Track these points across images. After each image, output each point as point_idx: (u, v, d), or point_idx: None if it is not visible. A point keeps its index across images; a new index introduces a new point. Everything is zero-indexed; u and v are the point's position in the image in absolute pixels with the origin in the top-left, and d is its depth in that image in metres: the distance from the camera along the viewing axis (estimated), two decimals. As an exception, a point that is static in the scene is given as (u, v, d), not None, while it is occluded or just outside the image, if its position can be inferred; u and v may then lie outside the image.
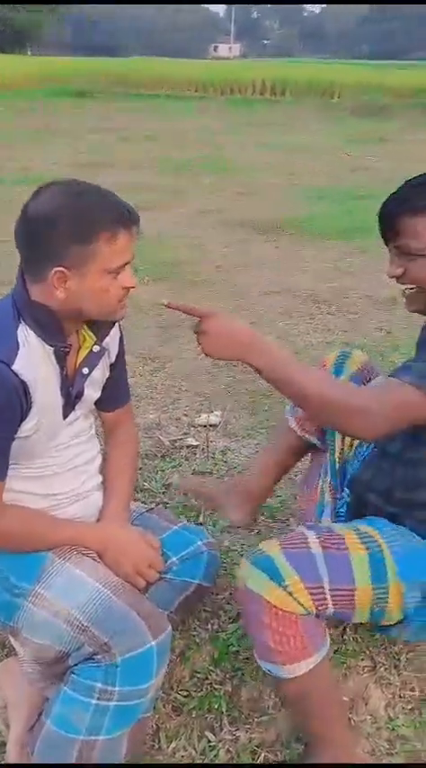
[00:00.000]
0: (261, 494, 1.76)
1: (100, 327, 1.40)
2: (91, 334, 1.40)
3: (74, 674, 1.29)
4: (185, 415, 2.72)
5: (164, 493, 2.21)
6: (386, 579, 1.30)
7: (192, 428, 2.60)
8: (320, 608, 1.24)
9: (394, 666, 1.58)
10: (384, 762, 1.43)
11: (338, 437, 1.63)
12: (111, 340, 1.46)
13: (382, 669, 1.57)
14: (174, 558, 1.48)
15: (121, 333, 1.51)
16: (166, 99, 18.16)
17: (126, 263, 1.30)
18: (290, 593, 1.22)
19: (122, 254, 1.28)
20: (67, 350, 1.34)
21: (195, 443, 2.46)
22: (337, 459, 1.63)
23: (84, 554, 1.39)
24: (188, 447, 2.45)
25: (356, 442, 1.61)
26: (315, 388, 1.26)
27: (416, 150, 10.56)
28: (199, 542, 1.50)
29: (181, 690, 1.52)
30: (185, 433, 2.56)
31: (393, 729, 1.52)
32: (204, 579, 1.49)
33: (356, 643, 1.58)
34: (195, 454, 2.41)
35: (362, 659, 1.58)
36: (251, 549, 1.30)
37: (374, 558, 1.30)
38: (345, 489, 1.60)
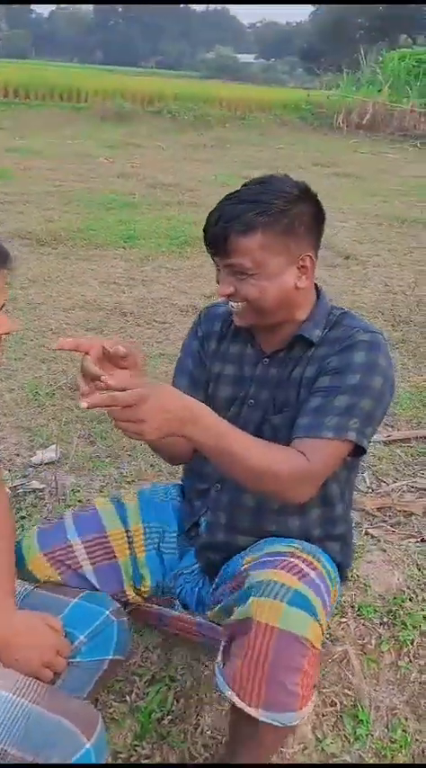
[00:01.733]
0: None
1: None
2: None
3: (-5, 810, 1.05)
4: (17, 455, 2.44)
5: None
6: (332, 586, 1.29)
7: (31, 468, 2.34)
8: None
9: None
10: None
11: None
12: None
13: (303, 693, 1.54)
14: (82, 637, 1.29)
15: None
16: None
17: (1, 307, 1.10)
18: (321, 627, 1.16)
19: None
20: None
21: (40, 486, 2.22)
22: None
23: (-22, 658, 1.15)
24: (33, 491, 2.19)
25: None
26: (255, 460, 1.19)
27: (168, 155, 10.89)
28: (107, 612, 1.33)
29: (106, 780, 1.33)
30: (24, 476, 2.30)
31: (322, 750, 1.51)
32: (117, 652, 1.33)
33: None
34: (43, 499, 2.16)
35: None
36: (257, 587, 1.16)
37: (326, 569, 1.27)
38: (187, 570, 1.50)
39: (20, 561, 1.41)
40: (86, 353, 1.25)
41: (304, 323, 1.35)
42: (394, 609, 1.73)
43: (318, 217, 1.33)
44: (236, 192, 1.31)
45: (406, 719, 1.61)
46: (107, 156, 10.46)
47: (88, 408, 1.10)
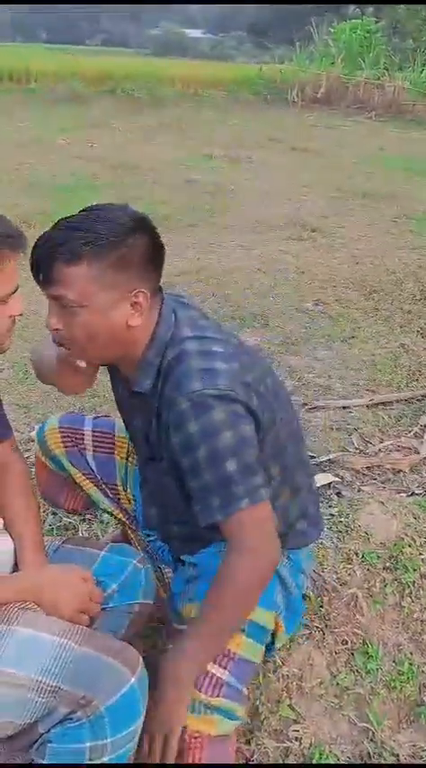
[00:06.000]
0: None
1: None
2: None
3: (51, 742, 1.13)
4: (17, 431, 2.47)
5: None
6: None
7: (31, 443, 2.37)
8: None
9: (326, 626, 1.66)
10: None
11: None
12: None
13: (317, 632, 1.64)
14: (114, 586, 1.37)
15: None
16: None
17: (15, 290, 1.18)
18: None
19: (11, 281, 1.18)
20: None
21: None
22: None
23: (23, 608, 1.21)
24: (33, 465, 2.23)
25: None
26: (230, 614, 1.24)
27: (124, 136, 10.78)
28: (134, 562, 1.40)
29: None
30: (26, 450, 2.33)
31: (337, 684, 1.61)
32: (145, 597, 1.41)
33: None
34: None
35: (300, 629, 1.62)
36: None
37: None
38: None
39: (39, 430, 1.64)
40: None
41: (135, 372, 1.28)
42: (395, 554, 1.84)
43: (155, 250, 1.24)
44: (68, 217, 1.22)
45: (411, 654, 1.72)
46: (63, 138, 10.31)
47: None
